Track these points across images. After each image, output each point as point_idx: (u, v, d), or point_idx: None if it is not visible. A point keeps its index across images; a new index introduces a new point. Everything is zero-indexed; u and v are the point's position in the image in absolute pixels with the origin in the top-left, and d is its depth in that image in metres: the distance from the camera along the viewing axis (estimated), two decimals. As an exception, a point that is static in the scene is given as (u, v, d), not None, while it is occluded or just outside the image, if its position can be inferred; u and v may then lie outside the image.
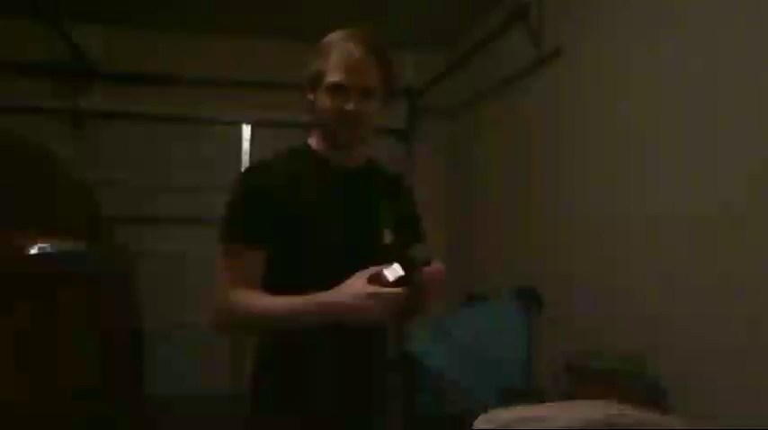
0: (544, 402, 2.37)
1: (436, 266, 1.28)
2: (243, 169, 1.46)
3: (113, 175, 4.53)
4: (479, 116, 4.41)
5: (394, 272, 1.23)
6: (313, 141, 1.47)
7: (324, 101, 1.37)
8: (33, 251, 1.59)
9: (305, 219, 1.36)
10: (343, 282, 1.26)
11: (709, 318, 2.22)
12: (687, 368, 2.29)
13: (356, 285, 1.23)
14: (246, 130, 4.79)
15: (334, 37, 1.39)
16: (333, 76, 1.35)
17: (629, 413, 1.91)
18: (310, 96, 1.42)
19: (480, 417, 1.93)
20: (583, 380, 2.39)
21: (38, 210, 2.21)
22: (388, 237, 1.45)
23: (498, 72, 3.95)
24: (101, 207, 3.16)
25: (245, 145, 4.77)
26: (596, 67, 2.96)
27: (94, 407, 2.30)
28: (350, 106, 1.35)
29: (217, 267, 1.37)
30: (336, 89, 1.35)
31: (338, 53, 1.35)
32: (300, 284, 1.34)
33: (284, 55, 4.43)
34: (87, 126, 4.52)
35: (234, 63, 4.70)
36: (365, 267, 1.26)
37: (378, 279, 1.23)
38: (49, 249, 1.62)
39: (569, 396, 2.49)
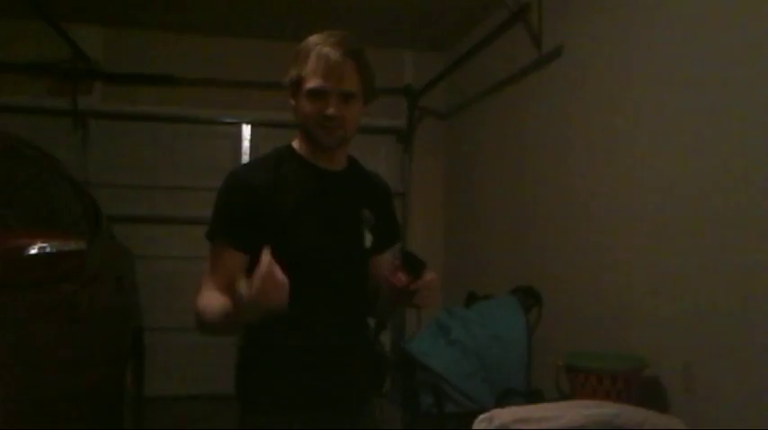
0: (544, 402, 2.37)
1: (431, 274, 1.32)
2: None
3: (113, 175, 4.53)
4: (479, 116, 4.41)
5: (407, 271, 1.29)
6: (296, 144, 1.48)
7: (304, 105, 1.39)
8: (33, 251, 1.58)
9: (287, 221, 1.38)
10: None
11: (709, 317, 2.22)
12: (687, 368, 2.29)
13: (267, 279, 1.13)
14: (246, 130, 4.79)
15: (312, 41, 1.40)
16: (311, 82, 1.36)
17: (628, 413, 1.92)
18: (292, 101, 1.43)
19: (480, 417, 1.93)
20: (583, 381, 2.39)
21: (38, 210, 2.21)
22: (368, 240, 1.47)
23: (498, 72, 3.95)
24: (101, 207, 3.16)
25: (245, 145, 4.78)
26: (596, 67, 2.96)
27: (94, 408, 2.30)
28: (330, 110, 1.36)
29: (204, 267, 1.39)
30: (316, 94, 1.37)
31: (316, 58, 1.37)
32: None
33: (284, 55, 4.40)
34: (87, 126, 4.52)
35: (234, 63, 4.70)
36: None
37: (395, 277, 1.30)
38: (48, 249, 1.62)
39: (569, 396, 2.49)
